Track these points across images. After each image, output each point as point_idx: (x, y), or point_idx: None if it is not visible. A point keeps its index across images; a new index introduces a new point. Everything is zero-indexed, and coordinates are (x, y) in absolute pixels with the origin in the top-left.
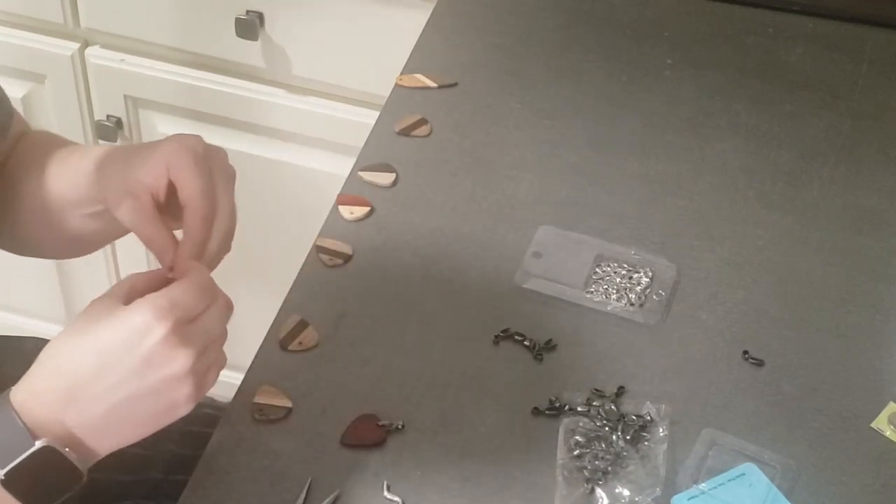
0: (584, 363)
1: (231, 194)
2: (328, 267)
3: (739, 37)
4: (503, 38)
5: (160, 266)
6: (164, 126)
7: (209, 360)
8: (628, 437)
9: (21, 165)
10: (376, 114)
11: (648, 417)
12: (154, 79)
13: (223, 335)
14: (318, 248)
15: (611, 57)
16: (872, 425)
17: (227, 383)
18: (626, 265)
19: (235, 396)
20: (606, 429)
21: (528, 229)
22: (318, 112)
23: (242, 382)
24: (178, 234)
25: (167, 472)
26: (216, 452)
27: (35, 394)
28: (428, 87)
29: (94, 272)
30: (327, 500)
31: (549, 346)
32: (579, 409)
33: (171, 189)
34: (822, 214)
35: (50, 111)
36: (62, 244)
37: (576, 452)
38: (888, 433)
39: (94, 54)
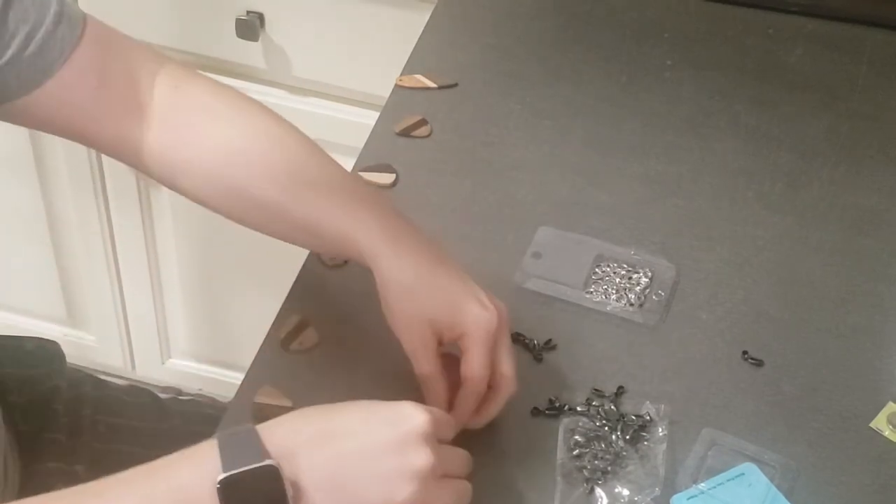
0: (584, 363)
1: (512, 364)
2: (328, 267)
3: (739, 37)
4: (503, 38)
5: None
6: None
7: (441, 490)
8: (628, 437)
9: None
10: (376, 114)
11: (648, 417)
12: None
13: (457, 484)
14: None
15: (610, 58)
16: (871, 425)
17: (228, 383)
18: (625, 265)
19: (236, 396)
20: (606, 429)
21: (528, 229)
22: (319, 113)
23: (243, 382)
24: None
25: None
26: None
27: (287, 421)
28: (428, 88)
29: (94, 272)
30: None
31: (549, 346)
32: (579, 408)
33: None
34: (821, 215)
35: None
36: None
37: (575, 452)
38: (887, 433)
39: None
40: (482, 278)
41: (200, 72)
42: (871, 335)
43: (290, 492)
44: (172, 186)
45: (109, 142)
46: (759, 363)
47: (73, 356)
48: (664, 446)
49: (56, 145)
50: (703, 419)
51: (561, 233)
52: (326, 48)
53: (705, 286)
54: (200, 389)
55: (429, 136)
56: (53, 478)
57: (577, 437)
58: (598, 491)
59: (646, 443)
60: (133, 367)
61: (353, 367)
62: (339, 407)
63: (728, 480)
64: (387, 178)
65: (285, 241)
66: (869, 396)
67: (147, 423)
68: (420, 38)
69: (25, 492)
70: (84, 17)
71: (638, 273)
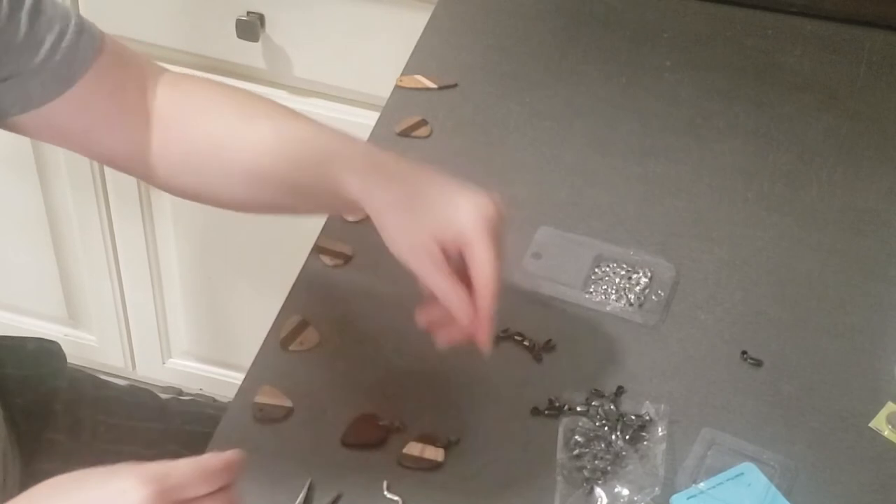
0: (584, 363)
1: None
2: (328, 267)
3: (738, 38)
4: (503, 39)
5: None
6: None
7: None
8: (627, 437)
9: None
10: (376, 115)
11: (647, 417)
12: None
13: None
14: (318, 248)
15: (610, 59)
16: (871, 425)
17: (228, 383)
18: (625, 266)
19: (236, 396)
20: (606, 429)
21: (527, 230)
22: (319, 113)
23: (243, 382)
24: None
25: None
26: (217, 452)
27: None
28: (428, 89)
29: (94, 272)
30: (327, 500)
31: (549, 346)
32: (579, 409)
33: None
34: (820, 215)
35: None
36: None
37: (575, 452)
38: (886, 433)
39: None
40: None
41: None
42: (870, 335)
43: None
44: (178, 188)
45: (120, 152)
46: (758, 363)
47: (73, 356)
48: (664, 446)
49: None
50: (702, 419)
51: (561, 233)
52: (326, 48)
53: (705, 286)
54: (201, 389)
55: (429, 136)
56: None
57: (577, 437)
58: (598, 491)
59: (645, 443)
60: (134, 367)
61: (353, 367)
62: (62, 489)
63: (727, 480)
64: None
65: (281, 212)
66: (868, 396)
67: (147, 424)
68: (420, 38)
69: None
70: (100, 30)
71: (638, 273)
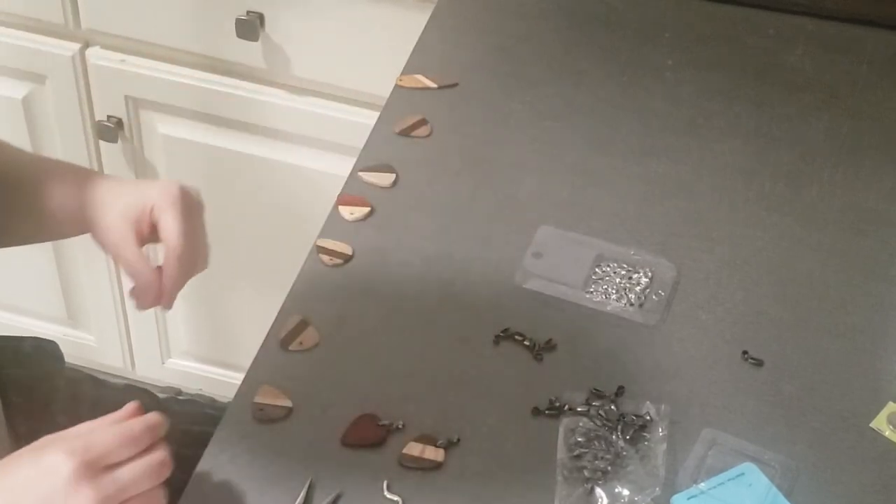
0: (584, 363)
1: (201, 226)
2: (328, 267)
3: (739, 38)
4: (503, 38)
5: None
6: (164, 126)
7: None
8: (628, 437)
9: None
10: (376, 114)
11: (648, 417)
12: (154, 79)
13: (146, 492)
14: (318, 248)
15: (611, 58)
16: (872, 425)
17: (228, 383)
18: (625, 265)
19: (236, 396)
20: (606, 429)
21: (528, 229)
22: (319, 112)
23: (243, 382)
24: None
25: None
26: (216, 452)
27: None
28: (428, 88)
29: (94, 272)
30: (327, 500)
31: (549, 346)
32: (579, 409)
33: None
34: (821, 215)
35: (50, 112)
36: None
37: (575, 452)
38: (887, 433)
39: (95, 55)
40: (482, 278)
41: None
42: (871, 335)
43: None
44: None
45: None
46: (759, 363)
47: (72, 356)
48: (664, 446)
49: (56, 145)
50: (703, 419)
51: (561, 232)
52: (326, 48)
53: (705, 286)
54: (200, 389)
55: (429, 136)
56: None
57: (577, 437)
58: (598, 491)
59: (646, 443)
60: (133, 367)
61: (353, 367)
62: None
63: (728, 480)
64: (387, 178)
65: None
66: (869, 396)
67: None
68: (420, 38)
69: None
70: None
71: (638, 273)
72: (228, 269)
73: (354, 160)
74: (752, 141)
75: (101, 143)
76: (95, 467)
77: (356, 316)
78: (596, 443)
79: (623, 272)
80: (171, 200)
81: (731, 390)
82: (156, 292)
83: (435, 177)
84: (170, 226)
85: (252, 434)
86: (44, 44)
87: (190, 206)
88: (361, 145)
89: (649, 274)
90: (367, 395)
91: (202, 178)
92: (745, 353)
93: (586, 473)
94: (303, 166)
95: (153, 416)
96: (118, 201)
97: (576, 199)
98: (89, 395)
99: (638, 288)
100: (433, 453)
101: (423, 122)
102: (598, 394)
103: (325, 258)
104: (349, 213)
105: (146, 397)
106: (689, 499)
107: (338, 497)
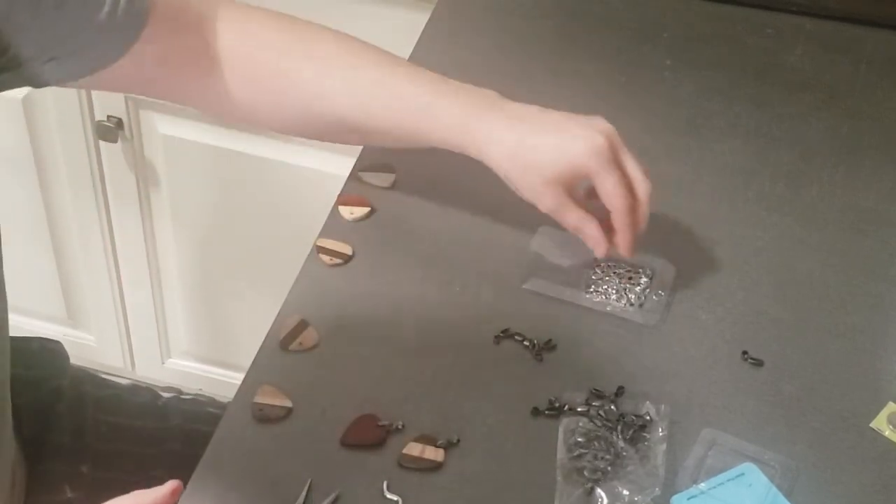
0: (584, 363)
1: (637, 167)
2: (328, 267)
3: (739, 37)
4: (502, 38)
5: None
6: (164, 126)
7: None
8: (628, 437)
9: (292, 55)
10: None
11: (648, 417)
12: None
13: None
14: (318, 248)
15: (610, 58)
16: (872, 425)
17: (228, 383)
18: (625, 265)
19: (236, 396)
20: (606, 429)
21: (527, 229)
22: None
23: (243, 382)
24: None
25: (170, 470)
26: (217, 452)
27: None
28: None
29: (94, 272)
30: (327, 501)
31: (549, 346)
32: (579, 409)
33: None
34: (821, 215)
35: (50, 111)
36: (317, 132)
37: (575, 452)
38: (887, 433)
39: None
40: (482, 278)
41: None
42: (871, 335)
43: None
44: (259, 126)
45: (184, 94)
46: (759, 363)
47: (73, 356)
48: (664, 446)
49: (56, 145)
50: (703, 419)
51: (561, 232)
52: None
53: (705, 286)
54: (200, 389)
55: None
56: (59, 479)
57: (577, 437)
58: (598, 491)
59: (646, 443)
60: (133, 367)
61: (353, 367)
62: None
63: (728, 480)
64: (387, 178)
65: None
66: (869, 396)
67: (148, 423)
68: (420, 38)
69: (32, 494)
70: None
71: (638, 273)
72: (228, 269)
73: (354, 160)
74: (752, 141)
75: (101, 142)
76: None
77: (356, 316)
78: (596, 443)
79: (623, 272)
80: (603, 162)
81: (731, 390)
82: (606, 239)
83: (435, 176)
84: (609, 191)
85: (252, 434)
86: None
87: (618, 151)
88: (361, 145)
89: (649, 274)
90: (366, 395)
91: (202, 178)
92: (745, 353)
93: (586, 473)
94: (303, 166)
95: (171, 483)
96: (538, 159)
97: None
98: (92, 394)
99: (638, 288)
100: (433, 453)
101: None
102: (597, 394)
103: (325, 258)
104: (349, 213)
105: (149, 396)
106: (689, 499)
107: (337, 497)
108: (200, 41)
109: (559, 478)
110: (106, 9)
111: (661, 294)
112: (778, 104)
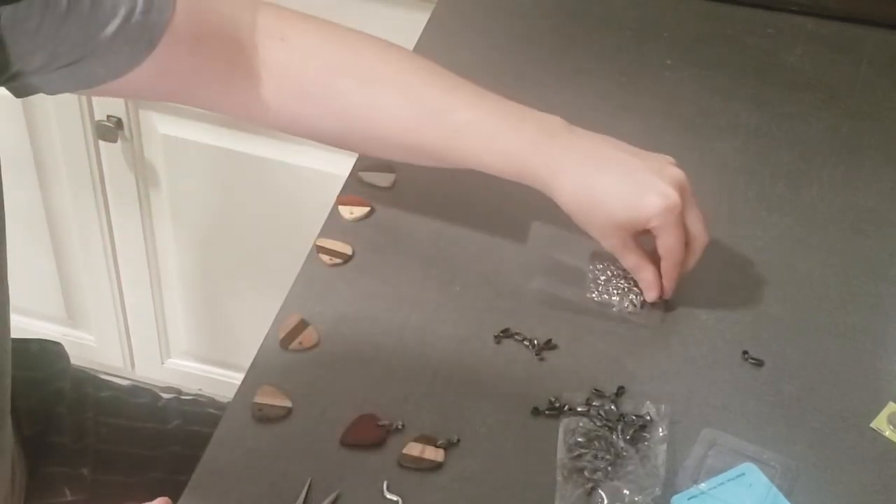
0: (584, 363)
1: (700, 220)
2: (328, 267)
3: (739, 37)
4: (503, 38)
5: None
6: (164, 126)
7: None
8: (628, 437)
9: (339, 70)
10: None
11: (648, 417)
12: None
13: None
14: (318, 248)
15: (610, 57)
16: (872, 425)
17: (228, 383)
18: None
19: (236, 396)
20: (606, 429)
21: (527, 229)
22: None
23: (242, 382)
24: None
25: (171, 472)
26: (216, 452)
27: None
28: None
29: (94, 272)
30: (327, 500)
31: (550, 346)
32: (579, 409)
33: None
34: (821, 215)
35: (50, 111)
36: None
37: (575, 452)
38: (888, 433)
39: None
40: (482, 278)
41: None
42: (871, 335)
43: None
44: (298, 135)
45: (220, 103)
46: (759, 363)
47: (72, 356)
48: (664, 446)
49: (56, 145)
50: (703, 419)
51: (560, 233)
52: None
53: (705, 286)
54: (200, 389)
55: None
56: (59, 481)
57: (577, 437)
58: (599, 491)
59: (646, 443)
60: (133, 367)
61: (353, 367)
62: None
63: (728, 480)
64: (387, 178)
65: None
66: (869, 396)
67: (149, 424)
68: (420, 38)
69: (32, 496)
70: None
71: None
72: (228, 269)
73: (354, 160)
74: (751, 140)
75: (101, 142)
76: None
77: (356, 316)
78: (596, 443)
79: (622, 272)
80: (670, 220)
81: (731, 390)
82: (659, 286)
83: (435, 177)
84: (669, 247)
85: (252, 434)
86: None
87: (688, 204)
88: None
89: None
90: (366, 395)
91: (202, 178)
92: (745, 353)
93: (586, 473)
94: (303, 166)
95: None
96: (608, 203)
97: None
98: (92, 396)
99: (637, 288)
100: (433, 453)
101: None
102: (598, 394)
103: (325, 258)
104: (349, 212)
105: (149, 397)
106: (689, 499)
107: (337, 497)
108: (235, 50)
109: (559, 478)
110: (118, 19)
111: None
112: (778, 104)
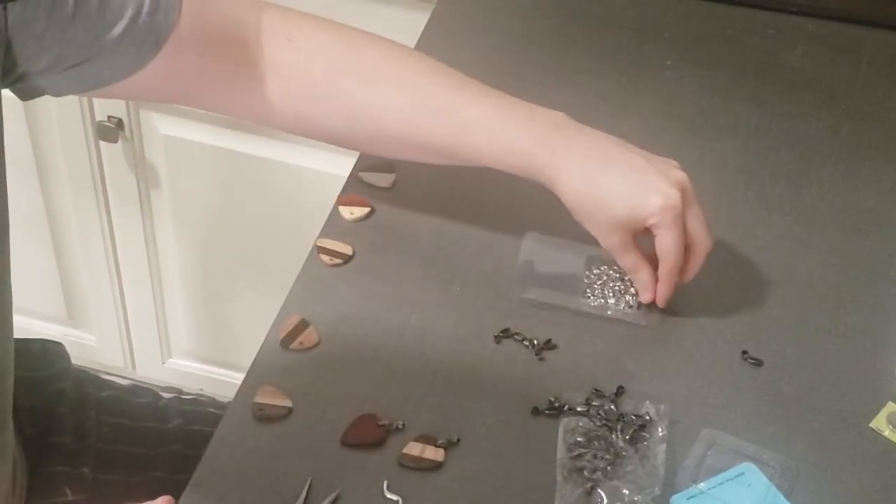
0: (584, 363)
1: (702, 224)
2: (328, 267)
3: (739, 37)
4: (503, 38)
5: None
6: (164, 126)
7: None
8: (628, 437)
9: (341, 68)
10: None
11: (648, 417)
12: None
13: None
14: (318, 248)
15: (610, 57)
16: (872, 425)
17: (228, 383)
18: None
19: (236, 396)
20: (606, 428)
21: (527, 229)
22: None
23: (243, 382)
24: None
25: (171, 471)
26: (217, 452)
27: None
28: None
29: (94, 272)
30: (327, 500)
31: (550, 345)
32: (579, 408)
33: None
34: (821, 215)
35: (51, 111)
36: (373, 145)
37: (575, 452)
38: (887, 433)
39: None
40: (482, 278)
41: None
42: (871, 335)
43: None
44: (303, 135)
45: (225, 104)
46: (758, 363)
47: (73, 356)
48: (664, 446)
49: (57, 146)
50: (702, 419)
51: (549, 238)
52: None
53: (705, 286)
54: (201, 389)
55: None
56: (60, 481)
57: (576, 436)
58: (598, 490)
59: (646, 443)
60: (133, 367)
61: (353, 367)
62: None
63: (728, 480)
64: (387, 178)
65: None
66: (869, 396)
67: (150, 423)
68: (420, 38)
69: (33, 496)
70: None
71: None
72: (229, 269)
73: (354, 160)
74: (751, 140)
75: (102, 143)
76: None
77: (356, 316)
78: (596, 443)
79: (617, 275)
80: (669, 219)
81: (730, 390)
82: (654, 288)
83: (435, 177)
84: (667, 247)
85: (252, 434)
86: None
87: (689, 205)
88: None
89: None
90: (366, 395)
91: (202, 178)
92: (745, 353)
93: (586, 473)
94: (303, 166)
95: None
96: (610, 202)
97: None
98: (93, 395)
99: (634, 289)
100: (433, 453)
101: None
102: (597, 394)
103: (325, 258)
104: (349, 213)
105: (149, 397)
106: (688, 499)
107: (337, 497)
108: (241, 51)
109: (559, 478)
110: (125, 21)
111: None
112: (778, 104)
